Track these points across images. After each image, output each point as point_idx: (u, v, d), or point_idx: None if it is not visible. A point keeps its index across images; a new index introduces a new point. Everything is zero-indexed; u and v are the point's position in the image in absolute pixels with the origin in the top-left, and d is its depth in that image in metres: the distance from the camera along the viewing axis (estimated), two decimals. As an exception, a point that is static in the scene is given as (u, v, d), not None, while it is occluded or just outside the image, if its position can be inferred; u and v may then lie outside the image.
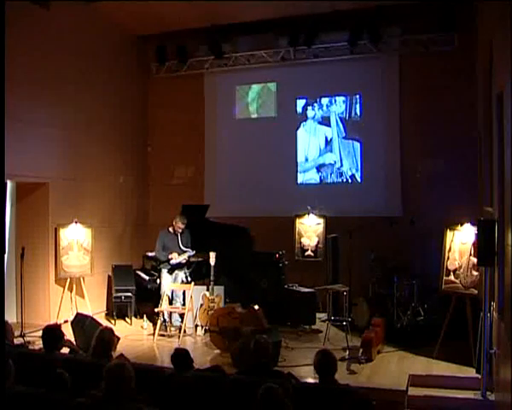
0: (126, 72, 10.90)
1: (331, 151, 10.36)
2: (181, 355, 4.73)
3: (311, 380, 5.57)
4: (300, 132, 10.61)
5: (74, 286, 8.96)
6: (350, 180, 10.27)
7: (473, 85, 8.66)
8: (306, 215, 9.81)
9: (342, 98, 10.34)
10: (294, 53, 10.36)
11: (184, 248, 8.49)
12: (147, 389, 4.07)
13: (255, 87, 10.99)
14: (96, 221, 9.54)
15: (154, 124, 11.55)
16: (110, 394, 3.57)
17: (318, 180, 10.47)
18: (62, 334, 5.15)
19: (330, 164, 10.37)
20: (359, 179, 10.22)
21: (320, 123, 10.46)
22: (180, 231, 8.52)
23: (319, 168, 10.46)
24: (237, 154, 11.01)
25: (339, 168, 10.32)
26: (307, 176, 10.56)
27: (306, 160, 10.56)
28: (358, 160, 10.20)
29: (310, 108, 10.51)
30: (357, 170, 10.22)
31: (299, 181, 10.58)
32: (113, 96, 10.41)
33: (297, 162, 10.61)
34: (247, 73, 10.91)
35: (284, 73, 10.67)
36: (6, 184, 8.48)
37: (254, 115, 11.01)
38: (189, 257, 8.57)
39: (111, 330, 5.05)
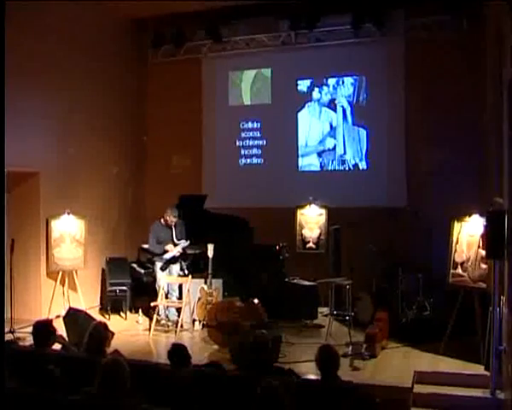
0: (122, 58, 10.80)
1: (334, 137, 10.33)
2: (178, 351, 4.72)
3: (312, 377, 5.48)
4: (302, 114, 10.54)
5: (67, 280, 8.93)
6: (352, 168, 10.24)
7: (482, 71, 8.58)
8: (308, 206, 9.80)
9: (351, 81, 10.25)
10: (296, 37, 10.30)
11: (177, 241, 8.47)
12: (142, 386, 4.06)
13: (251, 73, 10.94)
14: (89, 212, 9.50)
15: (150, 112, 11.49)
16: (104, 391, 3.58)
17: (319, 166, 10.43)
18: (54, 329, 5.13)
19: (330, 149, 10.32)
20: (363, 168, 10.17)
21: (326, 106, 10.39)
22: (172, 223, 8.49)
23: (320, 154, 10.43)
24: (235, 142, 10.99)
25: (341, 156, 10.29)
26: (307, 161, 10.52)
27: (306, 144, 10.53)
28: (364, 148, 10.16)
29: (317, 89, 10.42)
30: (361, 159, 10.19)
31: (300, 165, 10.55)
32: (109, 83, 10.34)
33: (298, 147, 10.57)
34: (247, 58, 10.85)
35: (284, 57, 10.60)
36: (5, 173, 8.32)
37: (249, 102, 10.97)
38: (183, 248, 8.54)
39: (105, 325, 5.05)
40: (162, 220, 8.57)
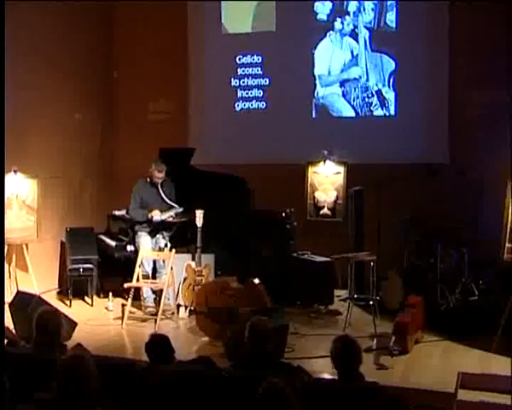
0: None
1: (356, 65, 10.49)
2: (158, 344, 4.76)
3: (327, 376, 5.58)
4: (323, 45, 10.58)
5: (14, 256, 8.94)
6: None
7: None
8: (322, 162, 9.78)
9: (371, 6, 10.26)
10: None
11: (170, 202, 8.49)
12: (114, 388, 4.10)
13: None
14: (43, 171, 9.46)
15: (121, 43, 11.42)
16: (64, 396, 3.56)
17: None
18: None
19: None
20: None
21: (348, 35, 10.48)
22: (159, 180, 8.54)
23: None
24: (230, 82, 10.96)
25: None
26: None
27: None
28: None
29: (339, 20, 10.49)
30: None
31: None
32: (65, 4, 10.14)
33: (315, 82, 10.64)
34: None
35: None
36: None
37: (249, 30, 10.94)
38: (176, 214, 8.59)
39: (54, 311, 5.05)
40: (148, 179, 8.65)
